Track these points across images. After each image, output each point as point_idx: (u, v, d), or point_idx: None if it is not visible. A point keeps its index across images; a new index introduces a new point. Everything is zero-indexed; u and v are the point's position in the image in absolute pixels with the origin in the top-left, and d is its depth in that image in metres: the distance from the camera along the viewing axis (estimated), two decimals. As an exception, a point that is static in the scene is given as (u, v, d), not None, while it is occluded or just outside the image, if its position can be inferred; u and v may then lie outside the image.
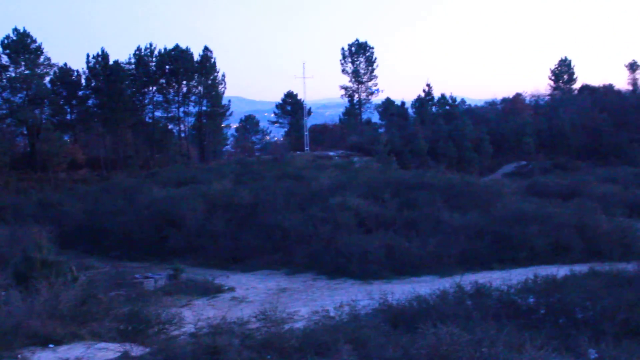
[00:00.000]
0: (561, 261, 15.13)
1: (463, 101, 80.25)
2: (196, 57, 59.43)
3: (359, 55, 75.91)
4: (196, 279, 15.07)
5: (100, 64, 53.70)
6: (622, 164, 51.88)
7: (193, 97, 59.74)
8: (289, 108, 75.57)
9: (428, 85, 76.48)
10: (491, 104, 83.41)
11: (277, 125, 78.92)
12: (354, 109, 77.37)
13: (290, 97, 75.64)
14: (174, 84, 58.21)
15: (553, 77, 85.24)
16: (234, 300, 13.12)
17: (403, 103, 77.09)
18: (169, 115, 59.80)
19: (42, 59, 50.82)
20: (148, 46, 57.93)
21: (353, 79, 76.10)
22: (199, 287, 14.33)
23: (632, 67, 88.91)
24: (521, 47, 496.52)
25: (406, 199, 20.49)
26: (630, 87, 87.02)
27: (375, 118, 78.82)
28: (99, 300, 9.99)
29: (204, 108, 60.46)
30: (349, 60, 76.07)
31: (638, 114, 69.25)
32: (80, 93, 54.52)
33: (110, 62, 54.19)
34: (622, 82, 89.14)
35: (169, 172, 38.56)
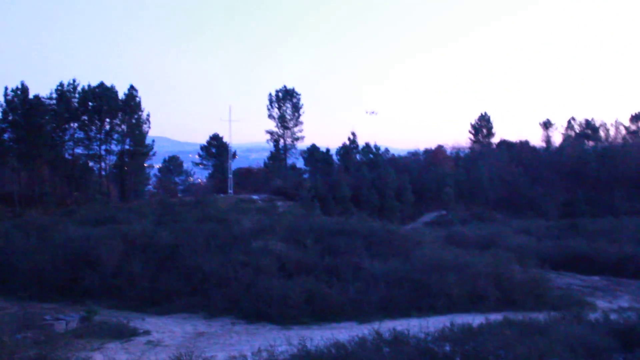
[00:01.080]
0: (477, 309, 15.44)
1: (387, 150, 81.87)
2: (121, 96, 58.62)
3: (286, 101, 76.78)
4: (110, 322, 14.53)
5: (19, 98, 52.07)
6: (536, 217, 53.92)
7: (116, 135, 58.70)
8: (213, 150, 75.30)
9: (353, 133, 77.85)
10: (414, 154, 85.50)
11: (201, 167, 78.40)
12: (279, 154, 77.76)
13: (215, 139, 75.46)
14: (96, 121, 57.08)
15: (473, 131, 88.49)
16: (149, 344, 12.71)
17: (328, 150, 78.04)
18: (90, 152, 58.45)
19: (-43, 90, 49.10)
20: (71, 82, 56.73)
21: (279, 124, 76.74)
22: (113, 330, 13.81)
23: (546, 125, 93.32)
24: (443, 100, 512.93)
25: (328, 245, 20.56)
26: (544, 144, 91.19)
27: (300, 163, 79.40)
28: (3, 344, 9.51)
29: (126, 147, 59.44)
30: (276, 105, 76.82)
31: (551, 169, 72.42)
32: (-5, 126, 52.61)
33: (31, 96, 52.68)
34: (536, 139, 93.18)
35: (87, 211, 37.52)
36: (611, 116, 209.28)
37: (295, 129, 77.33)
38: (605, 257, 25.12)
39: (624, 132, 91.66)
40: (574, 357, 8.74)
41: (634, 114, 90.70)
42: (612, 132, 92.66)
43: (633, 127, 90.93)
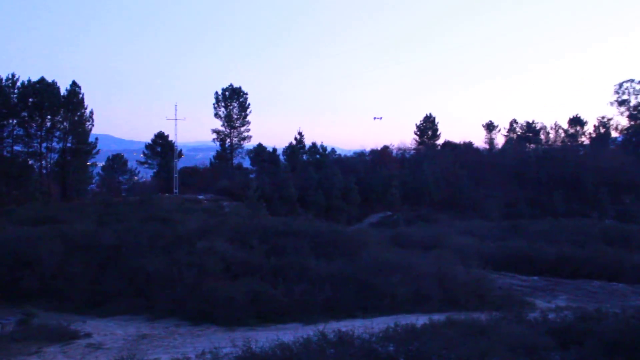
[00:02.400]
0: (421, 310, 15.62)
1: (333, 151, 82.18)
2: (63, 92, 57.20)
3: (233, 100, 76.35)
4: (49, 325, 14.15)
5: (-46, 93, 50.35)
6: (479, 218, 54.95)
7: (57, 133, 57.22)
8: (159, 149, 74.21)
9: (300, 133, 77.99)
10: (360, 155, 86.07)
11: (146, 166, 77.12)
12: (225, 154, 77.28)
13: (161, 138, 74.38)
14: (37, 117, 55.53)
15: (418, 132, 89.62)
16: (89, 347, 12.44)
17: (275, 150, 77.92)
18: (30, 150, 56.81)
19: None
20: (10, 77, 55.02)
21: (226, 124, 76.29)
22: (52, 333, 13.46)
23: (489, 127, 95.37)
24: (389, 101, 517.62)
25: (274, 246, 20.48)
26: (486, 146, 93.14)
27: (247, 163, 79.08)
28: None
29: (68, 144, 58.02)
30: (222, 104, 76.32)
31: (494, 171, 73.90)
32: None
33: (-35, 91, 50.93)
34: (480, 140, 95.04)
35: (26, 210, 36.56)
36: (551, 119, 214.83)
37: (242, 129, 77.00)
38: (544, 257, 25.78)
39: (562, 135, 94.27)
40: (514, 356, 8.92)
41: (572, 117, 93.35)
42: (551, 134, 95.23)
43: (571, 130, 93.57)
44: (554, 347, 9.71)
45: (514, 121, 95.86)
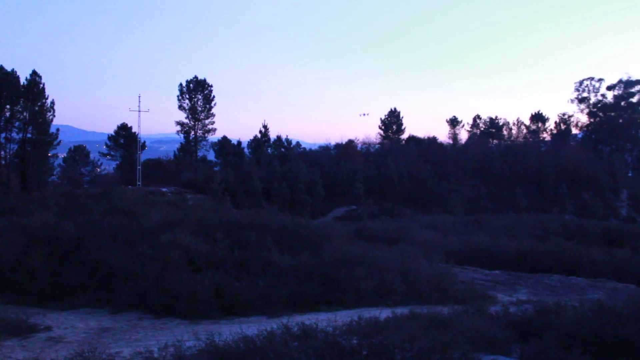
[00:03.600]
0: (385, 303, 15.70)
1: (298, 144, 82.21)
2: (23, 81, 56.11)
3: (197, 92, 75.78)
4: (7, 318, 13.87)
5: None
6: (443, 212, 55.52)
7: (17, 123, 56.20)
8: (122, 141, 73.33)
9: (265, 126, 77.96)
10: (325, 149, 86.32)
11: (108, 157, 76.17)
12: (189, 146, 76.74)
13: (124, 129, 73.51)
14: (-5, 107, 54.49)
15: (383, 127, 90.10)
16: (49, 341, 12.25)
17: (239, 142, 77.66)
18: (-11, 140, 55.78)
19: None
20: (-33, 65, 53.82)
21: (190, 116, 75.71)
22: (10, 326, 13.20)
23: (453, 122, 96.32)
24: (353, 95, 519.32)
25: (238, 239, 20.40)
26: (450, 141, 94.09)
27: (211, 156, 78.70)
28: None
29: (28, 135, 57.02)
30: (187, 96, 75.72)
31: (457, 166, 74.74)
32: None
33: None
34: (444, 135, 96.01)
35: (-16, 202, 35.85)
36: (513, 115, 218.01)
37: (207, 121, 76.55)
38: (506, 252, 26.16)
39: (525, 131, 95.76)
40: (475, 349, 9.04)
41: (533, 114, 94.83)
42: (514, 130, 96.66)
43: (533, 127, 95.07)
44: (514, 340, 9.89)
45: (478, 117, 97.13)
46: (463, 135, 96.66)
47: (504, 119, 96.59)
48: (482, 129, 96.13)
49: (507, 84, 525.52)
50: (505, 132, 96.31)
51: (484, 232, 32.89)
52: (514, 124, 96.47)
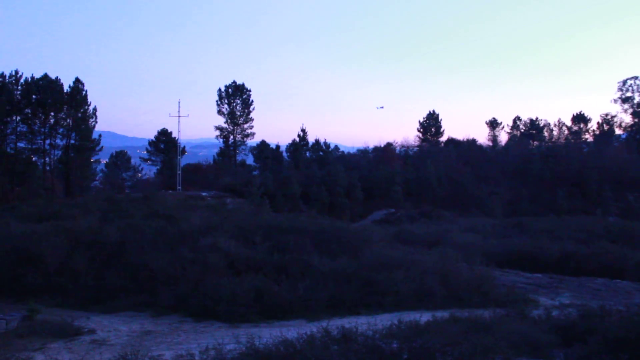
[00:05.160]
0: (424, 307, 15.59)
1: (336, 148, 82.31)
2: (66, 89, 57.30)
3: (236, 97, 76.34)
4: (53, 321, 14.15)
5: (-43, 88, 50.51)
6: (482, 215, 54.96)
7: (61, 130, 57.45)
8: (162, 146, 74.30)
9: (303, 130, 78.10)
10: (363, 152, 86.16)
11: (149, 162, 77.26)
12: (228, 150, 77.32)
13: (164, 134, 74.46)
14: (40, 114, 55.70)
15: (421, 130, 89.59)
16: (93, 344, 12.45)
17: (278, 146, 78.01)
18: (34, 146, 57.06)
19: None
20: (13, 73, 55.14)
21: (229, 120, 76.28)
22: (56, 329, 13.46)
23: (492, 124, 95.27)
24: (392, 98, 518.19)
25: (277, 243, 20.47)
26: (490, 143, 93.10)
27: (250, 160, 79.20)
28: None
29: (72, 141, 58.20)
30: (226, 101, 76.35)
31: (497, 168, 73.89)
32: None
33: (-32, 87, 51.09)
34: (483, 137, 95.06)
35: (30, 206, 36.57)
36: (554, 116, 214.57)
37: (245, 125, 77.02)
38: (548, 255, 25.74)
39: (566, 132, 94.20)
40: (517, 353, 8.93)
41: (575, 115, 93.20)
42: (555, 132, 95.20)
43: (575, 128, 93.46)
44: (558, 344, 9.73)
45: (518, 118, 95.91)
46: (503, 137, 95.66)
47: (545, 120, 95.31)
48: (522, 130, 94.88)
49: (548, 84, 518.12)
50: (546, 134, 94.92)
51: (525, 235, 32.41)
52: (555, 125, 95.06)
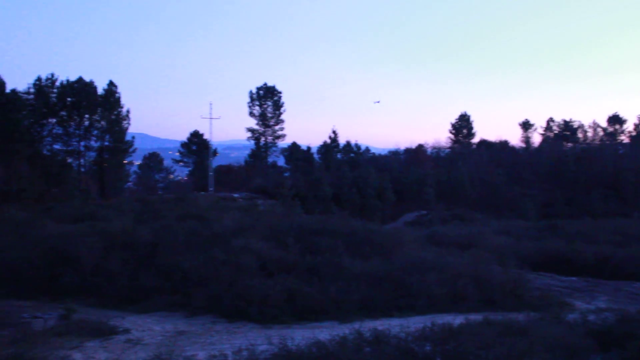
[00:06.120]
0: (457, 310, 15.47)
1: (367, 149, 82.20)
2: (100, 91, 58.12)
3: (267, 99, 76.79)
4: (89, 320, 14.35)
5: (-4, 92, 51.47)
6: (515, 217, 54.36)
7: (95, 132, 58.24)
8: (194, 147, 75.04)
9: (334, 132, 78.20)
10: (394, 154, 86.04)
11: (181, 164, 78.09)
12: (260, 152, 77.76)
13: (196, 136, 75.19)
14: (75, 117, 56.54)
15: (453, 131, 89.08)
16: (128, 343, 12.59)
17: (309, 148, 78.18)
18: (69, 148, 57.92)
19: None
20: (49, 76, 56.10)
21: (260, 122, 76.76)
22: (92, 328, 13.64)
23: (525, 125, 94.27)
24: (424, 100, 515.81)
25: (309, 244, 20.50)
26: (523, 145, 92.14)
27: (281, 162, 79.57)
28: (-19, 341, 9.39)
29: (106, 143, 59.03)
30: (257, 103, 76.85)
31: (530, 170, 73.10)
32: (-29, 121, 51.66)
33: (7, 91, 52.01)
34: (516, 139, 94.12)
35: (65, 207, 37.14)
36: (589, 117, 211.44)
37: (276, 127, 77.44)
38: (583, 258, 25.36)
39: (601, 133, 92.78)
40: (553, 357, 8.82)
41: (611, 116, 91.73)
42: (589, 133, 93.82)
43: (610, 129, 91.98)
44: (595, 349, 9.58)
45: (551, 119, 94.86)
46: (536, 139, 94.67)
47: (579, 121, 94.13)
48: (555, 132, 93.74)
49: (583, 85, 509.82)
50: (580, 135, 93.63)
51: (559, 238, 31.96)
52: (589, 126, 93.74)
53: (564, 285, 21.41)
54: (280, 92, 77.00)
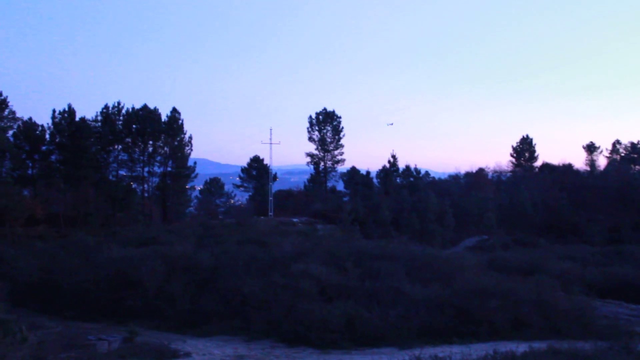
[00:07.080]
0: (520, 337, 15.11)
1: (427, 173, 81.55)
2: (164, 118, 59.64)
3: (326, 124, 77.11)
4: (152, 343, 14.59)
5: (66, 120, 53.50)
6: (580, 242, 52.81)
7: (158, 157, 59.66)
8: (254, 172, 75.92)
9: (393, 156, 77.88)
10: (454, 178, 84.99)
11: (241, 189, 79.01)
12: (319, 177, 77.99)
13: (256, 161, 76.10)
14: (140, 143, 58.12)
15: (515, 154, 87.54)
16: (189, 366, 12.75)
17: (368, 172, 78.04)
18: (133, 174, 59.52)
19: (6, 112, 50.40)
20: (116, 104, 58.03)
21: (319, 147, 77.05)
22: (154, 351, 13.86)
23: (590, 148, 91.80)
24: (484, 123, 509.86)
25: (368, 269, 20.40)
26: (587, 168, 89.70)
27: (340, 186, 79.58)
28: (49, 362, 9.63)
29: (169, 169, 60.37)
30: (316, 128, 77.23)
31: (595, 194, 70.96)
32: (43, 148, 53.67)
33: (77, 119, 53.98)
34: (580, 162, 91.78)
35: (130, 232, 38.01)
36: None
37: (336, 152, 77.62)
38: (654, 285, 24.41)
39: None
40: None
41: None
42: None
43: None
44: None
45: (617, 142, 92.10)
46: (601, 162, 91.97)
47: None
48: (622, 154, 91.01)
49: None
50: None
51: (628, 264, 30.90)
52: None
53: (633, 313, 20.61)
54: (339, 117, 77.40)
